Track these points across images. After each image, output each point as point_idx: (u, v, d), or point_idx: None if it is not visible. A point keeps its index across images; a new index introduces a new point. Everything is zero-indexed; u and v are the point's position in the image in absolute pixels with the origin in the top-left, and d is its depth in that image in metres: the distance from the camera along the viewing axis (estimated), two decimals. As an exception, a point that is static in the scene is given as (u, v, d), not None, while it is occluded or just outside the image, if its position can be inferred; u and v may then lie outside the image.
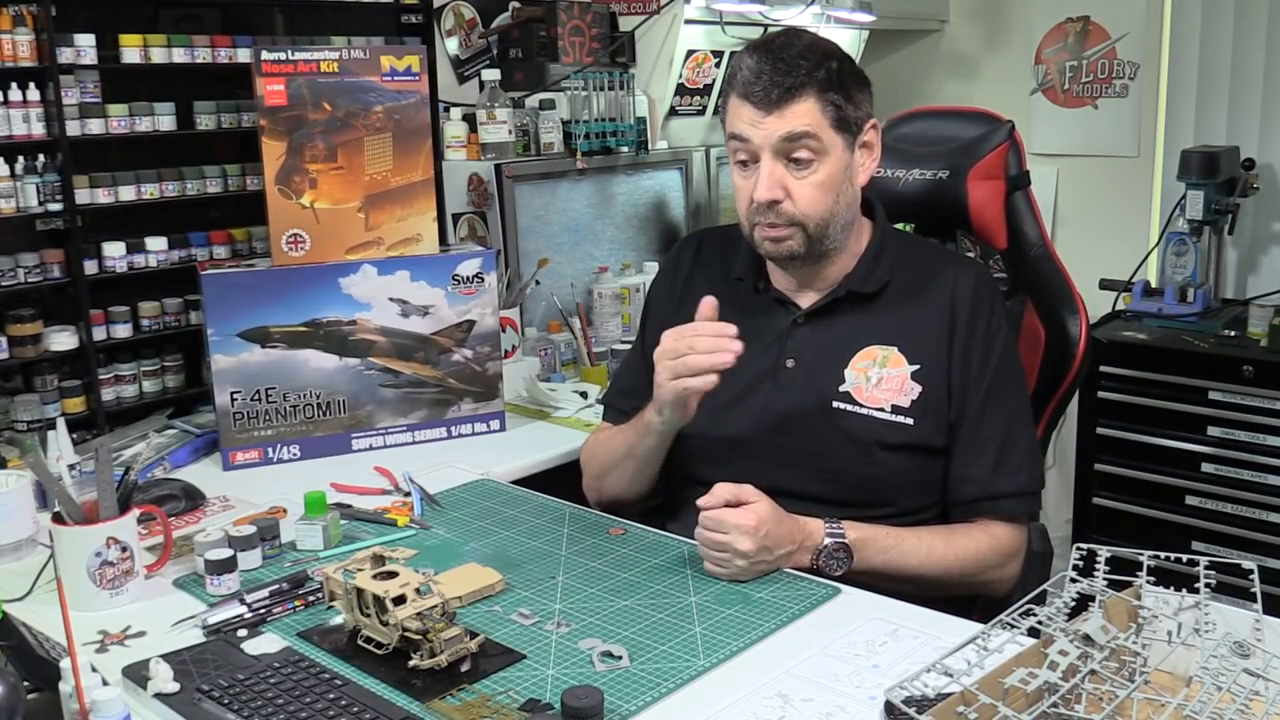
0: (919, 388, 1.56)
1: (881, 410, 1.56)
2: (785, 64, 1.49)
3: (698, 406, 1.54)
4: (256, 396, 1.97)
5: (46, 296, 2.14)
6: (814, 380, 1.59)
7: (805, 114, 1.50)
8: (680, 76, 2.89)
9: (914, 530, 1.54)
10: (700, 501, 1.47)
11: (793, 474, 1.56)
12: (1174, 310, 2.97)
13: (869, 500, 1.55)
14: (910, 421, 1.55)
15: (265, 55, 1.96)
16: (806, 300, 1.64)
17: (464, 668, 1.26)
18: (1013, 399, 1.60)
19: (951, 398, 1.57)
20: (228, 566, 1.47)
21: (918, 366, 1.57)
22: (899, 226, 1.96)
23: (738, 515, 1.44)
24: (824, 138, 1.51)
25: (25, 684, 1.14)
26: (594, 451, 1.79)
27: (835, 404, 1.57)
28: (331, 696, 1.19)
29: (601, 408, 2.21)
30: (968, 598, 1.60)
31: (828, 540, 1.48)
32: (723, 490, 1.46)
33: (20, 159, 2.04)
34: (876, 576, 1.49)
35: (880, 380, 1.57)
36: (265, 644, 1.31)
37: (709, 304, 1.50)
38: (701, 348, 1.46)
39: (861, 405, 1.57)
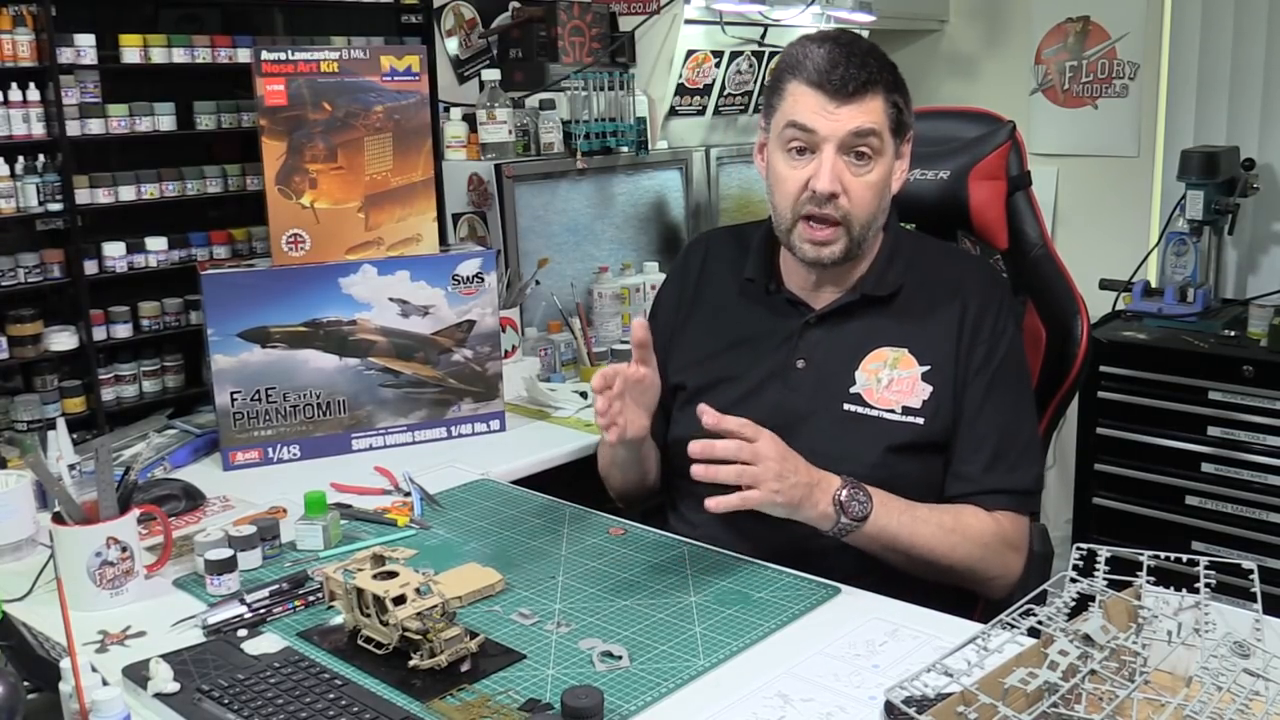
0: (929, 388, 1.56)
1: (892, 411, 1.56)
2: (859, 58, 1.50)
3: (708, 404, 1.54)
4: (256, 396, 1.97)
5: (46, 296, 2.14)
6: (825, 382, 1.59)
7: (875, 111, 1.50)
8: (680, 76, 2.89)
9: (925, 505, 1.53)
10: (707, 421, 1.40)
11: None
12: (1174, 310, 2.97)
13: None
14: (921, 422, 1.55)
15: (265, 55, 1.96)
16: (819, 302, 1.64)
17: (464, 668, 1.26)
18: (1014, 397, 1.59)
19: (956, 396, 1.57)
20: (228, 566, 1.47)
21: (928, 367, 1.57)
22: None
23: (752, 430, 1.40)
24: (884, 138, 1.52)
25: (25, 684, 1.14)
26: (601, 451, 1.82)
27: (846, 405, 1.57)
28: (331, 696, 1.19)
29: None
30: (968, 598, 1.60)
31: (844, 488, 1.45)
32: (724, 421, 1.40)
33: (20, 159, 2.04)
34: (887, 547, 1.48)
35: (891, 382, 1.57)
36: (265, 644, 1.31)
37: (640, 326, 1.54)
38: (597, 409, 1.52)
39: (872, 407, 1.56)
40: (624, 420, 1.54)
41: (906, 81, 1.57)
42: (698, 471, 1.40)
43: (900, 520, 1.49)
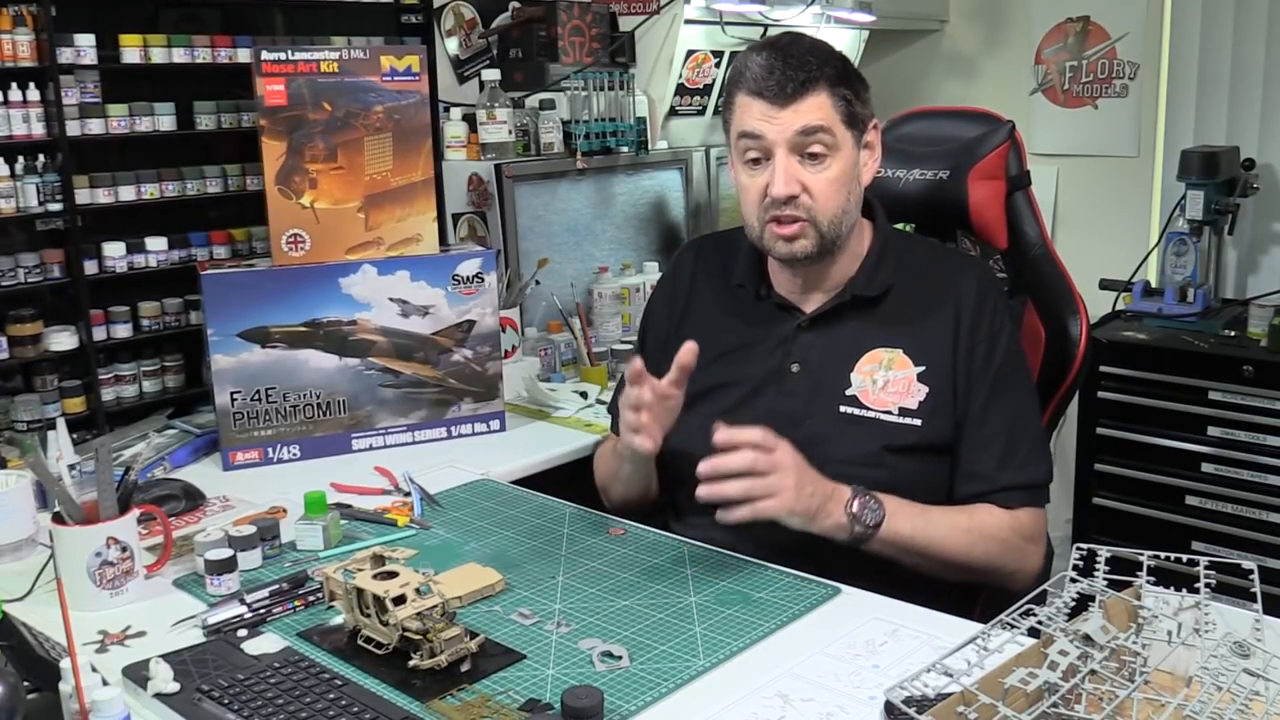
0: (925, 388, 1.56)
1: (889, 413, 1.56)
2: (796, 59, 1.50)
3: (704, 412, 1.53)
4: (256, 396, 1.97)
5: (46, 296, 2.14)
6: (820, 385, 1.59)
7: (819, 108, 1.50)
8: (680, 76, 2.89)
9: (938, 507, 1.54)
10: (720, 438, 1.41)
11: None
12: (1174, 310, 2.97)
13: None
14: (918, 423, 1.55)
15: (265, 55, 1.96)
16: (810, 305, 1.64)
17: (464, 668, 1.26)
18: (1018, 393, 1.60)
19: (957, 396, 1.57)
20: (228, 566, 1.47)
21: (924, 368, 1.57)
22: (899, 226, 1.96)
23: (771, 439, 1.41)
24: (836, 133, 1.51)
25: (25, 684, 1.14)
26: (599, 464, 1.83)
27: (842, 408, 1.57)
28: (331, 696, 1.19)
29: (601, 407, 2.24)
30: (968, 598, 1.60)
31: (855, 498, 1.46)
32: (740, 435, 1.41)
33: (20, 159, 2.04)
34: (904, 551, 1.48)
35: (887, 383, 1.57)
36: (265, 644, 1.32)
37: (689, 350, 1.48)
38: (629, 419, 1.48)
39: (869, 409, 1.56)
40: (653, 432, 1.50)
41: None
42: (702, 493, 1.41)
43: (915, 524, 1.49)
